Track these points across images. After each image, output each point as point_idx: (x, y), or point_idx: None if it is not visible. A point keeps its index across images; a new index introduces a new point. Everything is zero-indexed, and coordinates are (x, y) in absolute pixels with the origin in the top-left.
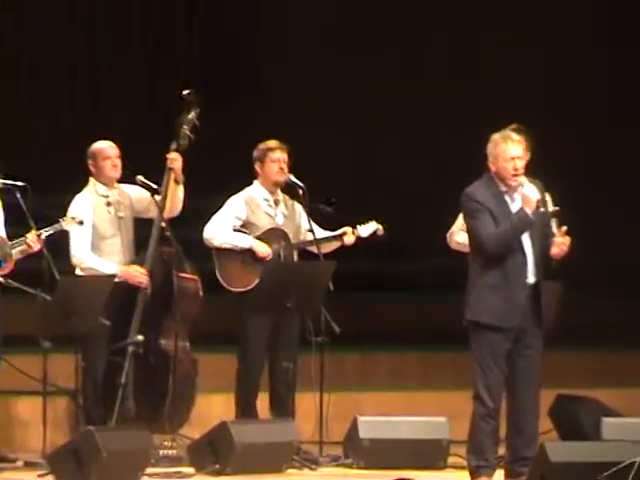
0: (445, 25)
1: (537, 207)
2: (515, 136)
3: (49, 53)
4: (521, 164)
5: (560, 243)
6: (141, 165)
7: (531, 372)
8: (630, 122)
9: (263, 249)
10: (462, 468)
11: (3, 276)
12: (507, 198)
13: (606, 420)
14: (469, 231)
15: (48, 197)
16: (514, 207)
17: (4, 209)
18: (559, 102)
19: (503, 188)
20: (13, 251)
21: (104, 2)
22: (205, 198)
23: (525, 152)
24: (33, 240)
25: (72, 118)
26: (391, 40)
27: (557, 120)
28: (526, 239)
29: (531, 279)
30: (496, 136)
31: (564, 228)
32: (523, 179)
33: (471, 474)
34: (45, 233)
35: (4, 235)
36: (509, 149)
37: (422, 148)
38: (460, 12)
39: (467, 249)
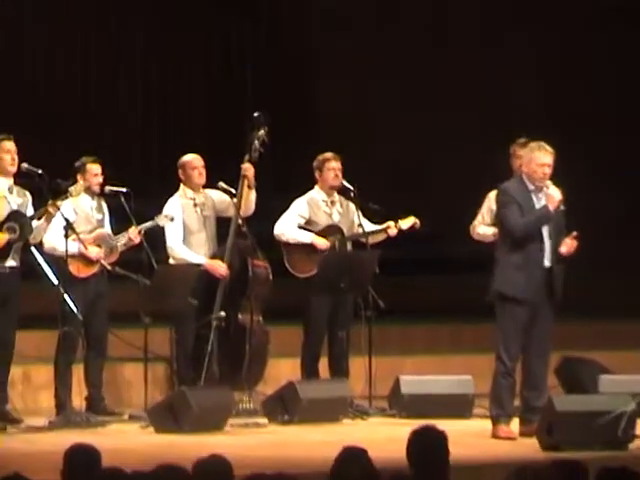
0: None
1: (558, 206)
2: (548, 147)
3: None
4: (549, 170)
5: (569, 244)
6: (221, 173)
7: (543, 339)
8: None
9: (321, 242)
10: (485, 417)
11: (110, 264)
12: (533, 196)
13: (602, 377)
14: (500, 218)
15: (144, 201)
16: (538, 204)
17: (110, 211)
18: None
19: (531, 187)
20: (118, 244)
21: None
22: (274, 200)
23: (553, 161)
24: (134, 234)
25: (162, 138)
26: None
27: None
28: (545, 231)
29: (547, 263)
30: (533, 144)
31: (575, 233)
32: (549, 182)
33: (492, 422)
34: (144, 228)
35: (110, 231)
36: (542, 157)
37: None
38: None
39: (487, 240)
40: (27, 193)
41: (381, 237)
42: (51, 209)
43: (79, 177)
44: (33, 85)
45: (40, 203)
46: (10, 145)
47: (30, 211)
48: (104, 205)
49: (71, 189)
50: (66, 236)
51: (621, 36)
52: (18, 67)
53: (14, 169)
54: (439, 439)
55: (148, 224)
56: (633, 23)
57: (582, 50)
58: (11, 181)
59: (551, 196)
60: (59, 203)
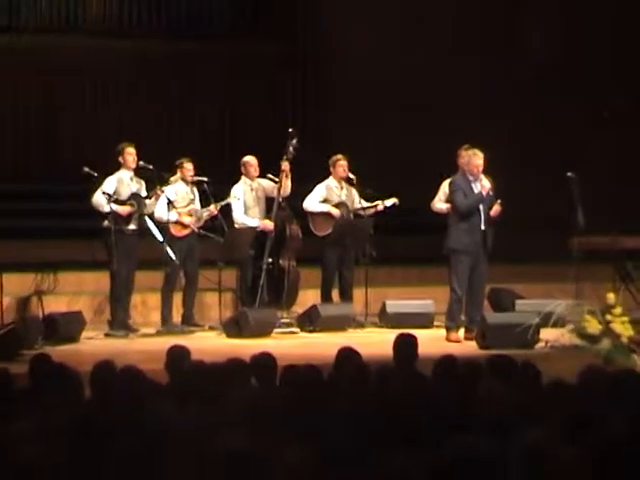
0: None
1: (488, 192)
2: (479, 153)
3: None
4: (481, 168)
5: (496, 209)
6: (268, 168)
7: (481, 276)
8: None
9: (335, 212)
10: (441, 327)
11: (198, 228)
12: (472, 184)
13: (518, 301)
14: (451, 199)
15: (220, 186)
16: (476, 189)
17: (197, 192)
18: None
19: (471, 179)
20: (203, 215)
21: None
22: (302, 186)
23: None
24: (213, 209)
25: (232, 145)
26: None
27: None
28: (481, 207)
29: (483, 227)
30: (470, 151)
31: (499, 201)
32: (481, 176)
33: (446, 330)
34: (220, 205)
35: (199, 206)
36: (476, 160)
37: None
38: None
39: (442, 212)
40: (142, 181)
41: (373, 211)
42: (159, 192)
43: (179, 170)
44: None
45: (151, 188)
46: (132, 149)
47: (144, 193)
48: (195, 189)
49: (171, 179)
50: (169, 209)
51: None
52: None
53: (134, 165)
54: (413, 341)
55: (223, 202)
56: None
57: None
58: (132, 173)
59: (484, 186)
60: (163, 188)
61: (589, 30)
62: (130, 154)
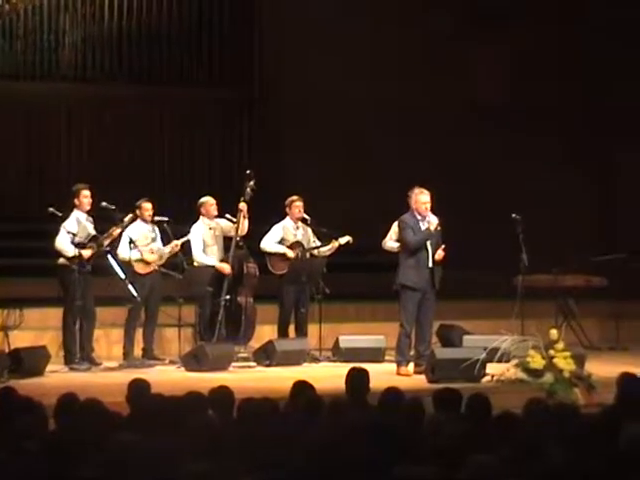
0: None
1: (435, 228)
2: (426, 191)
3: None
4: (429, 205)
5: (439, 254)
6: (227, 207)
7: (429, 312)
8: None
9: (290, 253)
10: (392, 362)
11: (159, 266)
12: (420, 223)
13: (465, 337)
14: (401, 237)
15: (180, 226)
16: (424, 227)
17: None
18: None
19: (419, 217)
20: (165, 251)
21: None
22: (259, 225)
23: (430, 199)
24: (174, 246)
25: (190, 185)
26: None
27: None
28: (429, 244)
29: (430, 264)
30: (416, 190)
31: (443, 246)
32: (429, 213)
33: (397, 365)
34: (181, 241)
35: (160, 244)
36: (423, 197)
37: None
38: None
39: (393, 251)
40: (91, 220)
41: (329, 251)
42: (113, 232)
43: (137, 210)
44: None
45: (103, 227)
46: (87, 192)
47: (93, 232)
48: (156, 228)
49: (125, 219)
50: (130, 248)
51: None
52: None
53: (89, 207)
54: (365, 375)
55: (184, 239)
56: None
57: None
58: (86, 214)
59: (431, 222)
60: (118, 229)
61: (535, 73)
62: (85, 196)
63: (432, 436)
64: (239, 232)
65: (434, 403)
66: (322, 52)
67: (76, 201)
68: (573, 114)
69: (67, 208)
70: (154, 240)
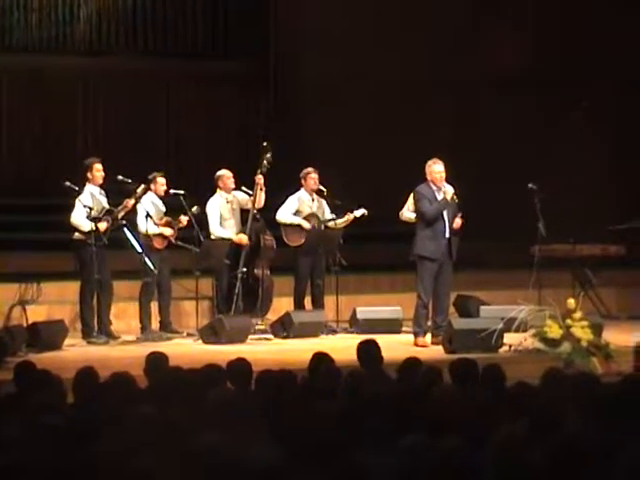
0: None
1: (452, 198)
2: (439, 161)
3: None
4: (443, 175)
5: (457, 223)
6: (244, 180)
7: (447, 283)
8: None
9: (306, 224)
10: (409, 333)
11: (175, 239)
12: (436, 193)
13: (482, 307)
14: (417, 208)
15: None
16: (439, 197)
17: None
18: None
19: (434, 187)
20: (176, 225)
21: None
22: (275, 198)
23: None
24: (185, 219)
25: (209, 159)
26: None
27: None
28: (445, 214)
29: (447, 234)
30: (430, 161)
31: (460, 214)
32: (444, 183)
33: (414, 335)
34: (191, 213)
35: (169, 219)
36: (437, 167)
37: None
38: None
39: (410, 221)
40: (104, 193)
41: (344, 223)
42: (128, 205)
43: (152, 185)
44: None
45: (115, 200)
46: (99, 165)
47: (107, 205)
48: (162, 203)
49: (137, 191)
50: (147, 222)
51: None
52: None
53: (101, 181)
54: (374, 346)
55: (195, 211)
56: None
57: None
58: (99, 188)
59: (446, 191)
60: (132, 201)
61: (562, 33)
62: (98, 170)
63: (449, 406)
64: (256, 205)
65: (450, 374)
66: (340, 24)
67: (89, 175)
68: (591, 84)
69: (80, 182)
70: (165, 214)
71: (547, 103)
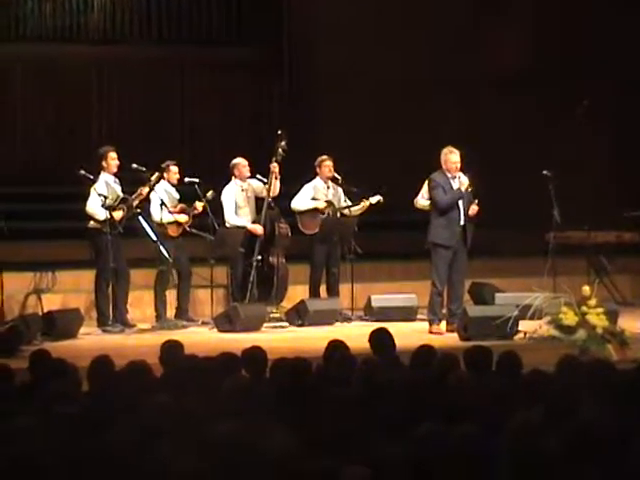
0: None
1: (466, 189)
2: (455, 150)
3: None
4: (459, 165)
5: (474, 209)
6: (257, 167)
7: (461, 270)
8: None
9: (321, 204)
10: (424, 320)
11: (189, 226)
12: (451, 181)
13: (498, 294)
14: (431, 196)
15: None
16: (455, 186)
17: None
18: None
19: (449, 175)
20: (192, 212)
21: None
22: (290, 186)
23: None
24: (201, 206)
25: (223, 147)
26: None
27: None
28: (460, 202)
29: (462, 222)
30: (446, 150)
31: (476, 201)
32: (460, 173)
33: (429, 323)
34: (205, 200)
35: (184, 205)
36: (453, 157)
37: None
38: None
39: (424, 209)
40: (118, 182)
41: (360, 210)
42: (143, 192)
43: (165, 173)
44: None
45: (129, 189)
46: (114, 154)
47: (121, 194)
48: (175, 191)
49: (152, 178)
50: (161, 210)
51: None
52: None
53: (116, 170)
54: (385, 333)
55: (209, 196)
56: None
57: None
58: (113, 176)
59: (462, 182)
60: (146, 189)
61: (562, 33)
62: (113, 159)
63: (463, 394)
64: (271, 193)
65: (465, 361)
66: (353, 12)
67: (104, 164)
68: (603, 71)
69: (95, 171)
70: (178, 202)
71: (547, 102)
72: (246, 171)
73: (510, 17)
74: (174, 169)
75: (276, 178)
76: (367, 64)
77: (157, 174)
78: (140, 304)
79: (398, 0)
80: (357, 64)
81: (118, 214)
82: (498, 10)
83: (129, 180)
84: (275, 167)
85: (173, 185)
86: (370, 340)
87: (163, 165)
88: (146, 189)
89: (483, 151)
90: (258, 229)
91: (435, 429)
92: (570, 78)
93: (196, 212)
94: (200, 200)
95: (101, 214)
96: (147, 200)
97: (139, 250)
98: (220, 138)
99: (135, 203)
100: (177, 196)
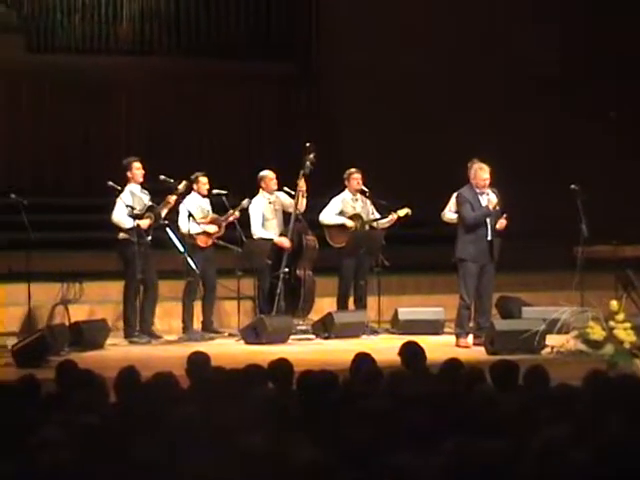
0: None
1: (494, 207)
2: (485, 167)
3: None
4: (488, 182)
5: (502, 223)
6: (285, 180)
7: (489, 284)
8: None
9: (350, 223)
10: (451, 334)
11: (218, 238)
12: (479, 197)
13: (525, 308)
14: (459, 211)
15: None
16: (483, 201)
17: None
18: None
19: (478, 191)
20: (223, 223)
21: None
22: (318, 199)
23: (490, 175)
24: (234, 213)
25: (248, 159)
26: None
27: None
28: (488, 219)
29: (489, 237)
30: (476, 165)
31: (505, 215)
32: (488, 190)
33: (456, 337)
34: (237, 210)
35: (215, 216)
36: (483, 174)
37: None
38: None
39: (452, 222)
40: (147, 193)
41: (388, 223)
42: (170, 200)
43: (194, 184)
44: None
45: (158, 199)
46: (138, 164)
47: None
48: (208, 202)
49: (179, 187)
50: (189, 221)
51: None
52: None
53: (142, 179)
54: (417, 347)
55: (241, 206)
56: None
57: None
58: (139, 186)
59: (490, 200)
60: (173, 197)
61: (588, 43)
62: (138, 169)
63: (490, 408)
64: (298, 208)
65: (491, 375)
66: (377, 24)
67: (129, 174)
68: (630, 79)
69: (121, 182)
70: (208, 213)
71: (578, 105)
72: (273, 184)
73: (537, 15)
74: (203, 180)
75: (303, 196)
76: (394, 75)
77: (185, 182)
78: (166, 316)
79: (423, 8)
80: (384, 76)
81: (145, 222)
82: (524, 8)
83: (158, 192)
84: (302, 186)
85: (203, 196)
86: (400, 353)
87: (192, 177)
88: (174, 197)
89: (512, 163)
90: (285, 242)
91: (462, 443)
92: (598, 80)
93: (233, 218)
94: (233, 208)
95: (127, 222)
96: (175, 211)
97: (167, 262)
98: (247, 151)
99: (163, 212)
100: (208, 207)
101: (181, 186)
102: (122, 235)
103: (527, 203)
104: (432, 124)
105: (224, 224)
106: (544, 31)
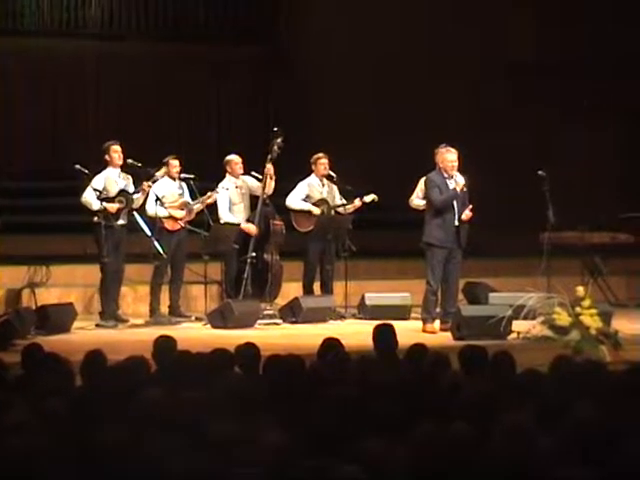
0: None
1: (461, 189)
2: (453, 150)
3: None
4: (455, 164)
5: (467, 215)
6: (253, 164)
7: (456, 270)
8: None
9: (316, 210)
10: (417, 319)
11: (186, 222)
12: (447, 181)
13: (491, 294)
14: (427, 195)
15: (206, 183)
16: (451, 186)
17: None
18: None
19: (446, 175)
20: (194, 207)
21: None
22: (285, 183)
23: (458, 159)
24: (206, 199)
25: (218, 144)
26: None
27: None
28: (455, 203)
29: (456, 222)
30: (443, 149)
31: (470, 206)
32: (456, 173)
33: (422, 322)
34: (210, 196)
35: (189, 200)
36: (450, 156)
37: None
38: None
39: (419, 208)
40: (129, 177)
41: (353, 208)
42: (145, 187)
43: (165, 167)
44: None
45: (138, 184)
46: (117, 147)
47: (132, 188)
48: (183, 185)
49: (157, 174)
50: (157, 205)
51: None
52: None
53: (120, 162)
54: (391, 330)
55: (214, 193)
56: None
57: None
58: (118, 170)
59: (458, 182)
60: (150, 183)
61: (562, 30)
62: (116, 152)
63: (456, 393)
64: (265, 191)
65: (459, 361)
66: (349, 5)
67: (107, 157)
68: (601, 66)
69: (100, 165)
70: (182, 196)
71: (549, 91)
72: (239, 168)
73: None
74: (174, 163)
75: (271, 178)
76: (366, 60)
77: (163, 169)
78: (134, 299)
79: None
80: (355, 60)
81: (113, 206)
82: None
83: (136, 177)
84: (270, 169)
85: (174, 179)
86: (373, 335)
87: (164, 160)
88: (150, 184)
89: (478, 149)
90: (251, 229)
91: (428, 429)
92: (571, 77)
93: (210, 202)
94: (196, 196)
95: (95, 204)
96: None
97: (135, 245)
98: (216, 135)
99: (139, 198)
100: (180, 191)
101: (159, 173)
102: (96, 219)
103: (493, 188)
104: (402, 109)
105: (195, 210)
106: (517, 15)
